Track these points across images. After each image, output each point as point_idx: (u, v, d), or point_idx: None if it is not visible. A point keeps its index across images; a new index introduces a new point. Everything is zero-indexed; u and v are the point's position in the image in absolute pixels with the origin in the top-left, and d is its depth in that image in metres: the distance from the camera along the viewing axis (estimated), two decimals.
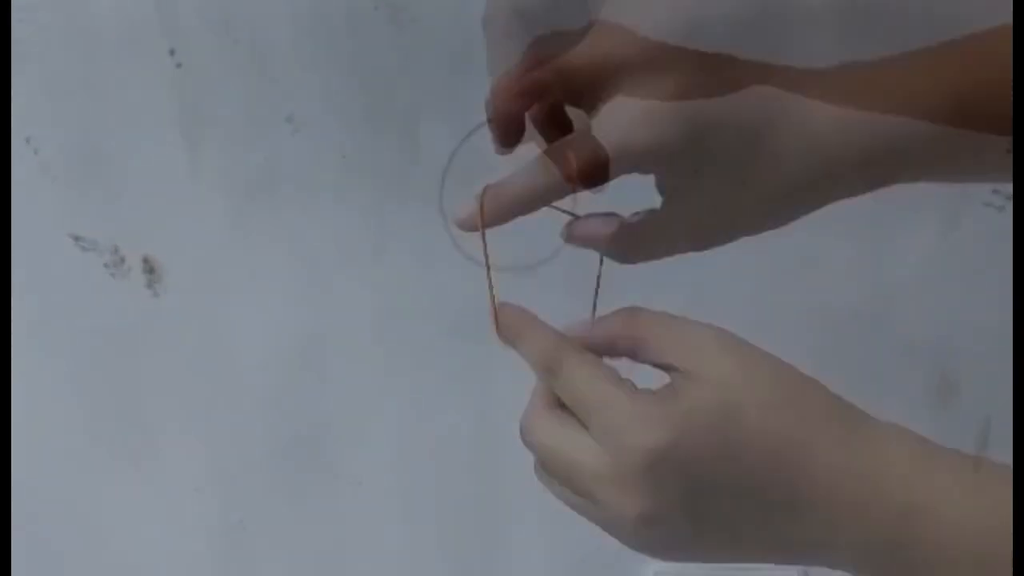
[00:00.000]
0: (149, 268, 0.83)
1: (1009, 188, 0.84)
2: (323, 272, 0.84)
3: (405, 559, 0.91)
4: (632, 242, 0.42)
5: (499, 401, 0.87)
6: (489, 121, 0.40)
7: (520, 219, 0.40)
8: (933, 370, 0.87)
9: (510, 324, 0.40)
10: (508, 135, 0.40)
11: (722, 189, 0.39)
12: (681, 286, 0.84)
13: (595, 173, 0.38)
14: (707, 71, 0.37)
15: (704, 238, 0.41)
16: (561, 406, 0.39)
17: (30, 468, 0.85)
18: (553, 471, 0.39)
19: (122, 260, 0.82)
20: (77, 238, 0.82)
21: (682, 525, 0.36)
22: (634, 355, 0.39)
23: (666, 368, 0.38)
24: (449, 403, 0.87)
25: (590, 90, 0.38)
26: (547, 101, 0.40)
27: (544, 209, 0.40)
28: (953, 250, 0.85)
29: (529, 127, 0.40)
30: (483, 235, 0.40)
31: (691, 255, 0.44)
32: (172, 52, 0.78)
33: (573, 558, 0.91)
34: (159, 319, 0.84)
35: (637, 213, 0.42)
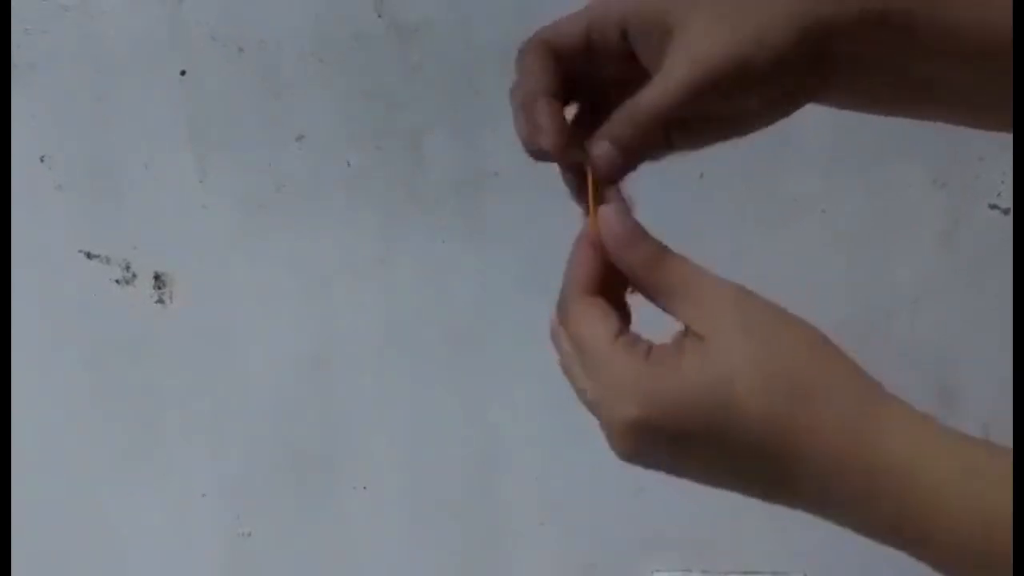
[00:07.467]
0: (159, 281, 0.84)
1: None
2: (329, 284, 0.85)
3: (410, 563, 0.91)
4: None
5: (501, 408, 0.88)
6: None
7: None
8: (933, 376, 0.87)
9: (604, 229, 0.37)
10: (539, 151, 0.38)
11: None
12: None
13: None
14: None
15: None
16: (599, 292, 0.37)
17: (40, 476, 0.86)
18: (564, 372, 0.37)
19: (133, 274, 0.83)
20: (89, 253, 0.83)
21: (666, 468, 0.36)
22: (650, 299, 0.37)
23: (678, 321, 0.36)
24: (453, 410, 0.87)
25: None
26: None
27: None
28: (953, 256, 0.85)
29: None
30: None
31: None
32: (183, 72, 0.79)
33: (577, 562, 0.91)
34: (168, 330, 0.85)
35: None
